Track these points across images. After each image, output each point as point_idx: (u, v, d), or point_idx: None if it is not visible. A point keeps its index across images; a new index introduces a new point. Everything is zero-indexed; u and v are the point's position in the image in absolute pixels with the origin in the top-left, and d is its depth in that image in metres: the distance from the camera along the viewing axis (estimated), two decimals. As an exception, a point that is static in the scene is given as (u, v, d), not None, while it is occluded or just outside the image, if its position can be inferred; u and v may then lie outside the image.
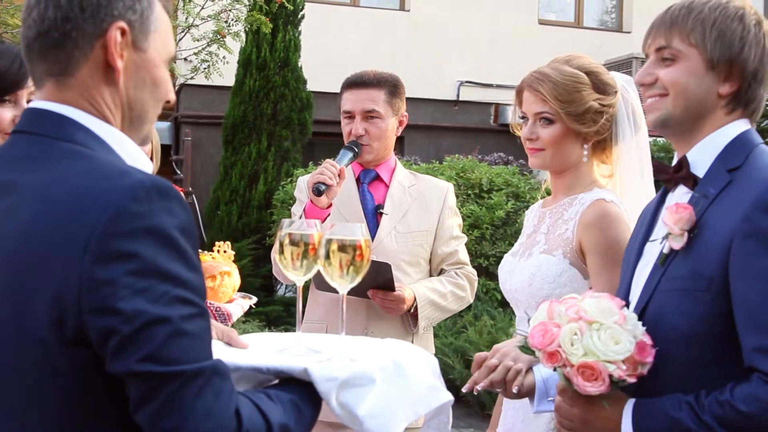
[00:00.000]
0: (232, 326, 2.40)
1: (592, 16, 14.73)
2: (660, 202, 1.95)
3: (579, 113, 2.37)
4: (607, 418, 1.73)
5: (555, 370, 1.73)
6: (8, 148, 1.43)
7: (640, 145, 2.46)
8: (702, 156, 1.82)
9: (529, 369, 2.10)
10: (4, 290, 1.30)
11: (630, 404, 1.72)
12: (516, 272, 2.48)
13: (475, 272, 3.37)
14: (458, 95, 13.37)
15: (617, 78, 2.48)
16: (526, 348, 1.81)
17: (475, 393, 2.09)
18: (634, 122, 2.44)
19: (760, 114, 1.87)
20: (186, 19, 8.23)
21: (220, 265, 2.56)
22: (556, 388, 1.84)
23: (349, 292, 1.80)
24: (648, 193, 2.43)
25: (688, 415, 1.63)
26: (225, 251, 2.68)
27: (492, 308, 7.61)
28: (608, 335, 1.66)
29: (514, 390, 2.07)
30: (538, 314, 1.79)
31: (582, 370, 1.66)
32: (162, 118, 12.08)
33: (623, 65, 12.41)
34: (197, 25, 8.32)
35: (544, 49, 11.99)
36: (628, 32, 14.08)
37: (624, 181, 2.48)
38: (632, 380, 1.67)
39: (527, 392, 2.10)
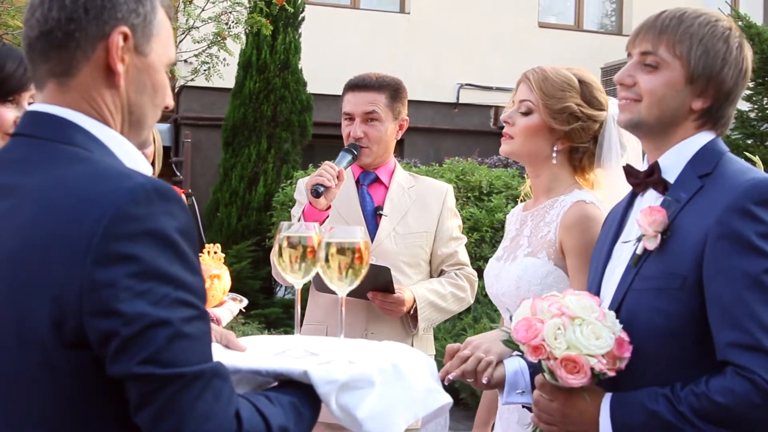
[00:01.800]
0: (232, 328, 2.39)
1: (591, 19, 14.73)
2: (628, 205, 2.02)
3: (556, 109, 2.43)
4: (586, 411, 1.78)
5: (539, 363, 1.78)
6: (8, 151, 1.43)
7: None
8: (673, 162, 1.89)
9: (500, 361, 2.16)
10: (5, 291, 1.30)
11: (607, 398, 1.78)
12: (502, 276, 2.52)
13: (475, 273, 3.37)
14: (458, 98, 13.37)
15: (613, 104, 2.48)
16: (510, 342, 1.86)
17: (446, 383, 2.14)
18: (624, 150, 2.47)
19: (727, 130, 1.94)
20: (186, 21, 8.23)
21: (210, 269, 2.54)
22: (536, 382, 1.89)
23: (349, 294, 1.80)
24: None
25: (665, 407, 1.68)
26: (215, 252, 2.66)
27: (491, 311, 7.60)
28: (590, 330, 1.73)
29: (484, 381, 2.14)
30: (521, 310, 1.84)
31: (565, 363, 1.73)
32: (162, 119, 12.06)
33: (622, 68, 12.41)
34: (198, 27, 8.32)
35: (543, 51, 12.00)
36: (628, 35, 13.98)
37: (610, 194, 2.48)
38: (612, 374, 1.73)
39: (496, 384, 2.16)
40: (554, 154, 2.47)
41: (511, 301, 2.45)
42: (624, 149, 2.46)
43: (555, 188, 2.50)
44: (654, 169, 1.90)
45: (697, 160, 1.86)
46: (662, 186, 1.88)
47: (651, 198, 1.92)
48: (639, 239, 1.84)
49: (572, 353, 1.71)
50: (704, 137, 1.89)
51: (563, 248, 2.40)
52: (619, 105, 1.95)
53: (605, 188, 2.49)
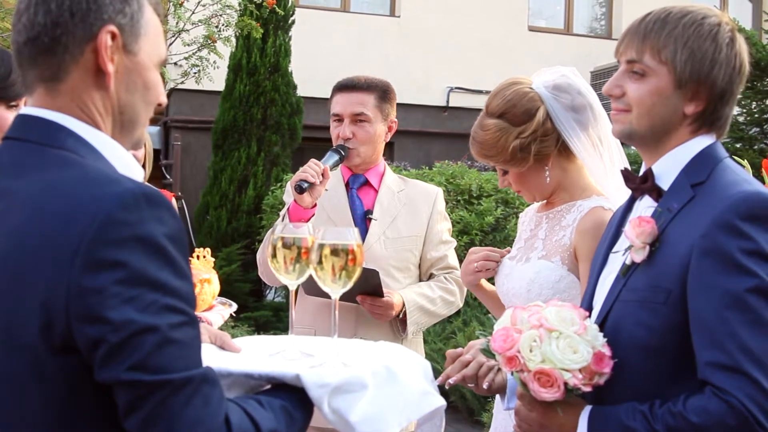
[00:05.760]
0: (221, 330, 2.39)
1: (581, 23, 14.78)
2: (627, 210, 1.97)
3: (508, 159, 2.44)
4: (564, 423, 1.76)
5: (512, 374, 1.76)
6: (-1, 154, 1.42)
7: (597, 136, 2.46)
8: (667, 169, 1.83)
9: None
10: (-6, 296, 1.29)
11: (586, 411, 1.74)
12: (513, 276, 2.50)
13: (464, 277, 3.35)
14: (448, 101, 13.39)
15: (542, 81, 2.46)
16: (487, 351, 1.85)
17: (447, 387, 2.13)
18: (577, 119, 2.43)
19: (726, 130, 1.87)
20: (177, 23, 8.21)
21: (200, 273, 2.53)
22: (516, 392, 1.87)
23: (339, 298, 1.79)
24: (617, 181, 2.44)
25: (641, 424, 1.65)
26: (204, 256, 2.65)
27: (481, 314, 7.60)
28: (566, 344, 1.70)
29: (484, 386, 2.11)
30: (503, 319, 1.83)
31: (538, 376, 1.70)
32: (151, 122, 11.98)
33: (612, 72, 12.39)
34: (188, 30, 8.30)
35: (533, 55, 12.05)
36: (617, 39, 14.10)
37: (591, 174, 2.51)
38: (587, 389, 1.70)
39: (497, 389, 2.13)
40: (547, 178, 2.47)
41: (521, 303, 2.43)
42: (582, 124, 2.43)
43: (572, 195, 2.50)
44: (648, 176, 1.85)
45: (692, 167, 1.80)
46: (656, 193, 1.83)
47: (648, 203, 1.88)
48: (628, 249, 1.80)
49: (546, 366, 1.68)
50: (702, 142, 1.82)
51: (577, 253, 2.38)
52: (611, 115, 1.91)
53: (582, 157, 2.47)
